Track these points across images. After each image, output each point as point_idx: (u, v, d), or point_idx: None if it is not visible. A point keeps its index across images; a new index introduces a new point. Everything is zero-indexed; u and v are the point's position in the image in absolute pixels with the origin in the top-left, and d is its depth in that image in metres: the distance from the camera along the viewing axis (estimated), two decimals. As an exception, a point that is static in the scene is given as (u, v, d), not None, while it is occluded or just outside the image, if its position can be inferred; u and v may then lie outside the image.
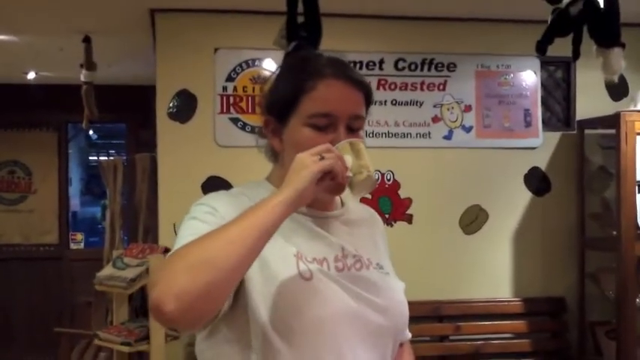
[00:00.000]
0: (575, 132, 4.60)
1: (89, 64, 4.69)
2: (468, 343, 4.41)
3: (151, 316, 1.19)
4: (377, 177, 1.37)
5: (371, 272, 1.47)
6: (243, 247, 1.19)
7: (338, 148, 1.34)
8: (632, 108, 4.26)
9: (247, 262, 1.22)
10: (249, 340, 1.34)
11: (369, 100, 1.47)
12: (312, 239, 1.43)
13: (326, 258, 1.42)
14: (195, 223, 1.35)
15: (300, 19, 2.64)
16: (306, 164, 1.27)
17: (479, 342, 4.41)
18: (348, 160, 1.34)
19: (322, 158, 1.29)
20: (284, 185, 1.27)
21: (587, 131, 4.57)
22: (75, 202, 8.24)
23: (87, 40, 4.60)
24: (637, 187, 4.15)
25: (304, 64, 1.44)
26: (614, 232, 4.22)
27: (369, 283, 1.44)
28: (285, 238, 1.37)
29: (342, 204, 1.56)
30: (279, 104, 1.43)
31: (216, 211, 1.37)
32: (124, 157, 5.51)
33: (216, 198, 1.43)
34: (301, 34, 2.50)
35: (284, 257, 1.36)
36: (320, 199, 1.44)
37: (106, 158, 7.89)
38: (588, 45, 2.29)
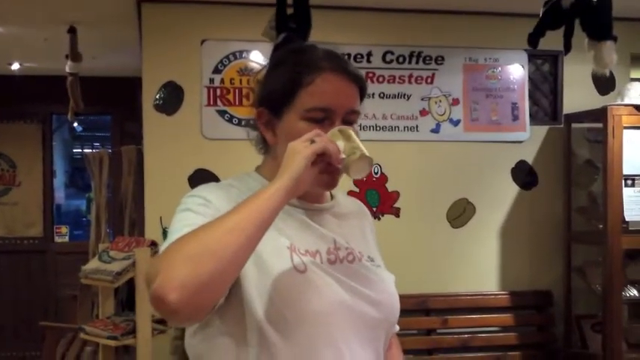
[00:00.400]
0: (562, 126, 4.61)
1: (74, 55, 4.65)
2: (455, 336, 4.42)
3: (153, 307, 1.18)
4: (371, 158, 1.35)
5: (362, 265, 1.46)
6: (244, 236, 1.19)
7: (329, 135, 1.35)
8: (619, 102, 4.27)
9: (248, 251, 1.22)
10: (244, 333, 1.33)
11: (363, 94, 1.47)
12: (304, 231, 1.42)
13: (319, 250, 1.41)
14: (189, 215, 1.34)
15: (290, 11, 2.62)
16: (299, 149, 1.27)
17: (466, 335, 4.42)
18: (340, 144, 1.34)
19: (313, 142, 1.29)
20: (280, 173, 1.27)
21: (574, 125, 4.58)
22: (59, 195, 8.18)
23: (72, 30, 4.55)
24: (623, 181, 4.17)
25: (300, 57, 1.42)
26: (601, 226, 4.24)
27: (361, 276, 1.43)
28: (278, 231, 1.35)
29: (332, 197, 1.55)
30: (275, 97, 1.41)
31: (209, 202, 1.36)
32: (110, 150, 5.47)
33: (208, 189, 1.42)
34: (290, 25, 2.49)
35: (278, 250, 1.35)
36: (311, 192, 1.43)
37: (91, 151, 7.85)
38: (576, 38, 2.28)
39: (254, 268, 1.31)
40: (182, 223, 1.31)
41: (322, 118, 1.38)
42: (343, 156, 1.33)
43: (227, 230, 1.19)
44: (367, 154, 1.34)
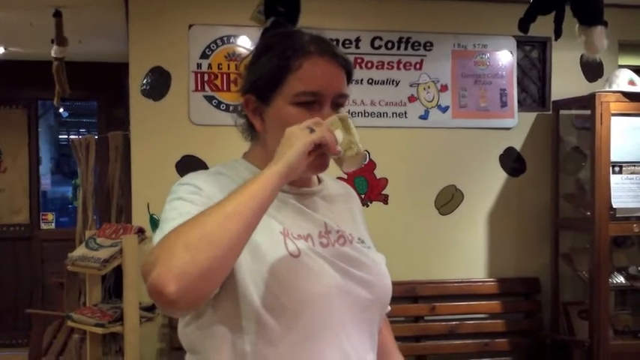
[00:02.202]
0: (550, 112, 4.61)
1: (60, 40, 4.60)
2: (443, 323, 4.43)
3: (151, 298, 1.18)
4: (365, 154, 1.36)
5: (354, 247, 1.47)
6: (241, 222, 1.19)
7: (328, 123, 1.34)
8: (607, 89, 4.26)
9: (245, 237, 1.21)
10: (239, 321, 1.32)
11: (349, 78, 1.46)
12: (295, 215, 1.43)
13: (310, 234, 1.41)
14: (182, 204, 1.33)
15: (278, -5, 2.60)
16: (298, 136, 1.26)
17: (453, 322, 4.43)
18: (339, 135, 1.33)
19: (313, 131, 1.28)
20: (276, 159, 1.26)
21: (562, 112, 4.58)
22: (45, 182, 8.13)
23: (57, 14, 4.50)
24: (611, 168, 4.18)
25: (287, 42, 1.41)
26: (588, 213, 4.25)
27: (353, 259, 1.44)
28: (269, 216, 1.34)
29: (319, 180, 1.55)
30: (262, 83, 1.40)
31: (200, 190, 1.35)
32: (96, 136, 5.43)
33: (199, 177, 1.40)
34: (279, 10, 2.46)
35: (271, 235, 1.35)
36: (301, 176, 1.42)
37: (76, 137, 7.79)
38: (565, 24, 2.27)
39: (247, 255, 1.30)
40: (175, 212, 1.30)
41: (311, 102, 1.38)
42: (339, 148, 1.33)
43: (225, 217, 1.18)
44: (362, 150, 1.35)
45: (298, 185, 1.46)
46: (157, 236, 1.26)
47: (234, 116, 1.53)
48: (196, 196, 1.33)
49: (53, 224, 6.93)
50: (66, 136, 9.68)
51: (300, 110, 1.37)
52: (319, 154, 1.32)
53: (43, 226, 6.85)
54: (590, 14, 2.09)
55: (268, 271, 1.31)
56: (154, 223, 4.02)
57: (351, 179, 4.29)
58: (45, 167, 8.19)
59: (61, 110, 8.85)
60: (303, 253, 1.35)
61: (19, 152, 6.72)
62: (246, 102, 1.44)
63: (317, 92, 1.37)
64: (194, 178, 1.40)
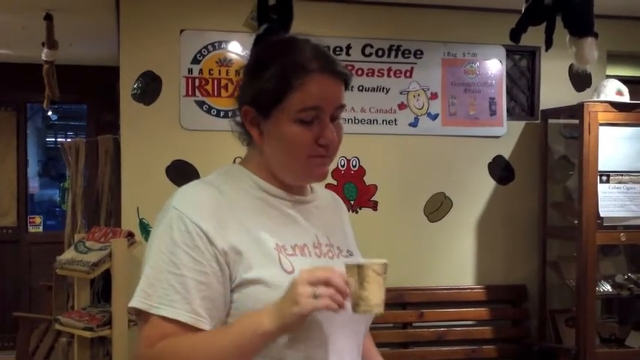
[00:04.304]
0: (538, 121, 4.64)
1: (51, 43, 4.59)
2: (431, 329, 4.45)
3: None
4: (380, 310, 1.33)
5: (343, 260, 1.46)
6: None
7: (346, 267, 1.31)
8: (595, 99, 4.30)
9: None
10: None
11: (347, 87, 1.48)
12: (290, 225, 1.43)
13: (306, 244, 1.42)
14: (180, 256, 1.32)
15: (272, 2, 2.61)
16: (300, 301, 1.24)
17: (441, 329, 4.44)
18: (351, 283, 1.29)
19: (322, 282, 1.26)
20: (273, 312, 1.27)
21: (550, 121, 4.61)
22: (33, 185, 8.07)
23: (48, 17, 4.49)
24: (598, 177, 4.21)
25: (288, 58, 1.40)
26: (576, 222, 4.28)
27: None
28: (264, 228, 1.36)
29: (312, 189, 1.55)
30: (263, 99, 1.40)
31: (200, 236, 1.32)
32: (85, 139, 5.40)
33: (199, 209, 1.35)
34: (272, 16, 2.47)
35: (266, 256, 1.36)
36: (295, 185, 1.46)
37: (65, 140, 7.75)
38: (555, 35, 2.29)
39: (244, 274, 1.33)
40: (171, 268, 1.31)
41: (312, 118, 1.38)
42: (348, 301, 1.29)
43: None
44: (376, 308, 1.30)
45: (295, 193, 1.47)
46: (142, 286, 1.32)
47: (230, 122, 1.53)
48: (197, 250, 1.31)
49: (41, 227, 6.89)
50: (54, 139, 9.62)
51: (301, 127, 1.38)
52: (319, 164, 1.36)
53: (31, 229, 6.81)
54: (581, 26, 2.11)
55: (264, 291, 1.32)
56: (144, 227, 4.01)
57: (340, 185, 4.31)
58: (32, 170, 8.14)
59: (50, 113, 8.81)
60: (297, 270, 1.34)
61: (7, 155, 6.68)
62: (245, 113, 1.43)
63: (318, 107, 1.38)
64: (194, 211, 1.35)
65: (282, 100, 1.38)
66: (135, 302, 1.31)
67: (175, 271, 1.30)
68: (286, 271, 1.35)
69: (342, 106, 1.44)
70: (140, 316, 1.33)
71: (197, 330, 1.29)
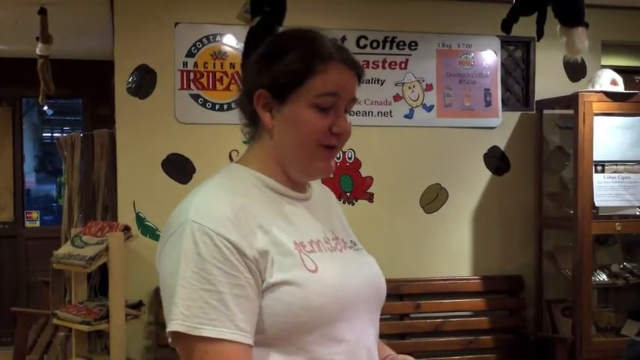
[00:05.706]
0: (533, 112, 4.65)
1: (45, 37, 4.58)
2: (428, 320, 4.46)
3: None
4: None
5: (352, 251, 1.50)
6: None
7: None
8: (589, 89, 4.31)
9: None
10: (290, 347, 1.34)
11: (359, 82, 1.49)
12: (301, 222, 1.43)
13: (319, 240, 1.43)
14: (212, 272, 1.26)
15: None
16: None
17: (438, 320, 4.46)
18: None
19: None
20: None
21: (545, 111, 4.62)
22: (29, 180, 8.07)
23: (43, 11, 4.48)
24: (593, 167, 4.22)
25: (310, 45, 1.42)
26: (571, 212, 4.29)
27: (354, 262, 1.47)
28: (280, 227, 1.36)
29: (309, 185, 1.55)
30: (283, 80, 1.39)
31: (230, 245, 1.28)
32: (81, 134, 5.39)
33: (218, 218, 1.30)
34: (265, 8, 2.47)
35: (286, 253, 1.34)
36: (299, 182, 1.47)
37: (61, 135, 7.75)
38: (548, 25, 2.29)
39: (275, 289, 1.31)
40: (203, 286, 1.26)
41: (330, 106, 1.40)
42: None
43: None
44: None
45: (299, 190, 1.48)
46: (177, 308, 1.25)
47: (238, 111, 1.51)
48: (230, 265, 1.27)
49: (38, 222, 6.89)
50: (50, 134, 9.61)
51: (317, 113, 1.39)
52: (325, 156, 1.39)
53: (28, 224, 6.81)
54: (571, 15, 2.11)
55: (291, 293, 1.31)
56: (140, 221, 4.02)
57: (336, 177, 4.31)
58: (28, 165, 8.13)
59: (45, 108, 8.80)
60: (320, 268, 1.35)
61: (3, 150, 6.68)
62: (258, 97, 1.42)
63: (337, 93, 1.40)
64: (217, 223, 1.29)
65: (303, 83, 1.38)
66: (174, 326, 1.24)
67: (210, 288, 1.24)
68: (310, 270, 1.34)
69: (354, 100, 1.46)
70: (180, 341, 1.26)
71: (247, 347, 1.26)
